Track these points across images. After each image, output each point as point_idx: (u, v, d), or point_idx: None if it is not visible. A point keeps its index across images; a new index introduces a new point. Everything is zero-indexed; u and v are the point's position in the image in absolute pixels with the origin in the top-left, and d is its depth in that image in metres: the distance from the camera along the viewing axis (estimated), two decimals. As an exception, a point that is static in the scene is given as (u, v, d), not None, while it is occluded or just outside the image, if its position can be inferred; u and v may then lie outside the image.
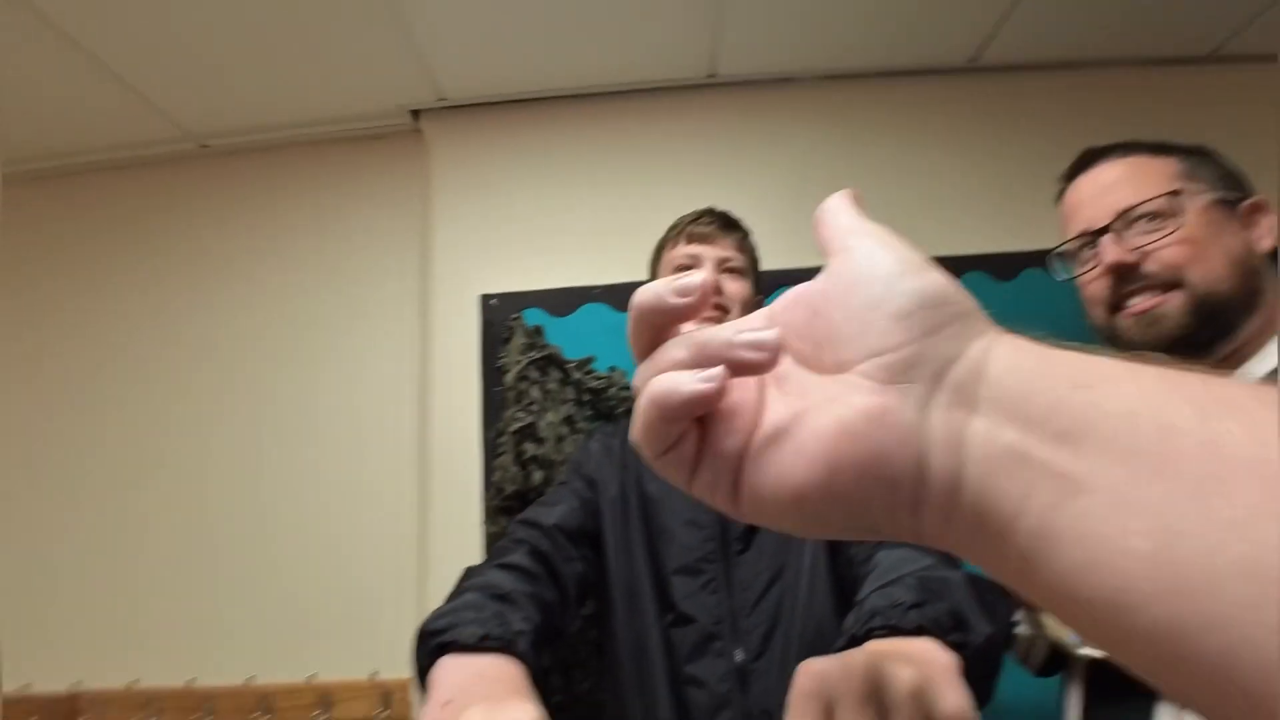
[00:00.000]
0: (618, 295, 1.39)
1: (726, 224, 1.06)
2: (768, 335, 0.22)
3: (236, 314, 1.45)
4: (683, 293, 0.24)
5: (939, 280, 0.22)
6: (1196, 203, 0.69)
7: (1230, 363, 0.69)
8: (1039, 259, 1.36)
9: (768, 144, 1.45)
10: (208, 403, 1.42)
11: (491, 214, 1.46)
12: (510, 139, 1.48)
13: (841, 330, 0.22)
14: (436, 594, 1.27)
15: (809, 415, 0.22)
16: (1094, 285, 0.76)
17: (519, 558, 0.76)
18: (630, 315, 0.25)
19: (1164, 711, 0.63)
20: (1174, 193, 0.69)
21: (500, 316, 1.39)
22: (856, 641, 0.46)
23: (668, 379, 0.23)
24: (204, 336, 1.45)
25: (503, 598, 0.66)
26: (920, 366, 0.21)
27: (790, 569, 0.87)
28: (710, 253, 1.02)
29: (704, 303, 0.25)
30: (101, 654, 1.31)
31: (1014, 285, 1.36)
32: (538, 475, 1.20)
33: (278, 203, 1.49)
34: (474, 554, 1.29)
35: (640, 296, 0.25)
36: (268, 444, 1.39)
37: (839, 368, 0.22)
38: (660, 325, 0.25)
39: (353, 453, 1.37)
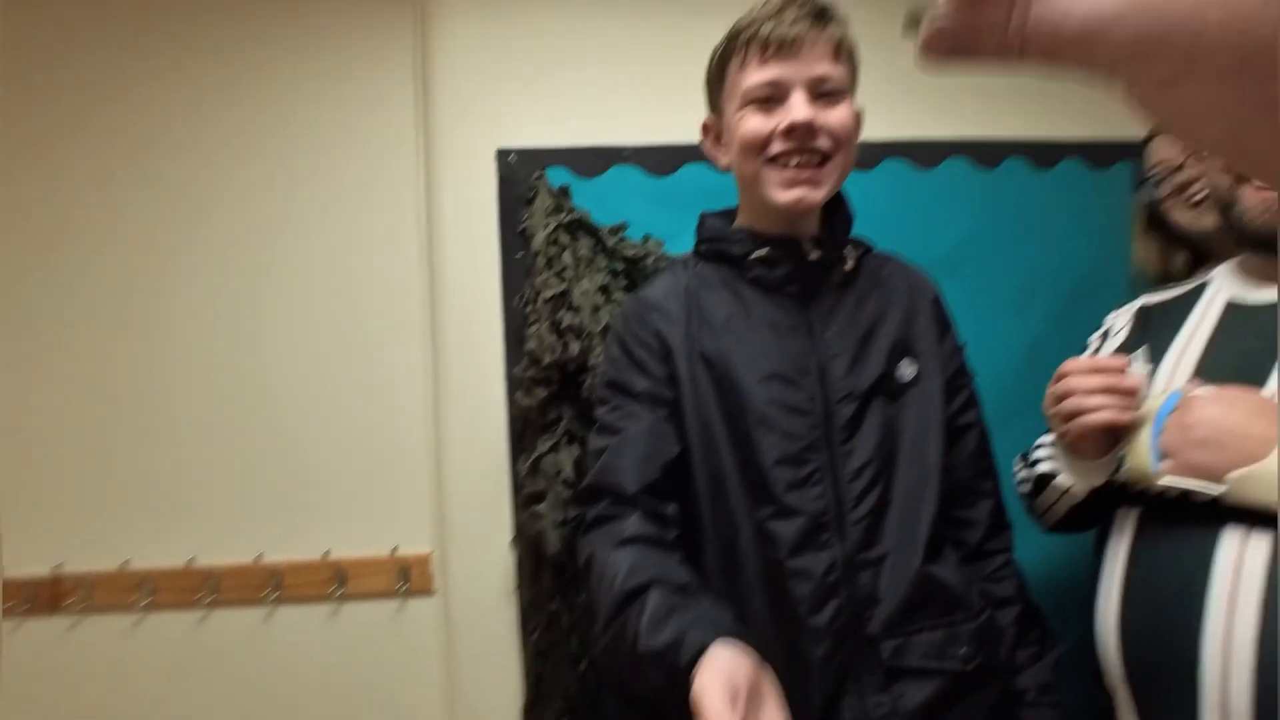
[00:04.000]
0: (651, 159, 1.28)
1: (818, 16, 0.79)
2: None
3: (199, 156, 1.22)
4: None
5: None
6: None
7: None
8: (1078, 149, 1.38)
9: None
10: (199, 269, 1.22)
11: (505, 57, 1.28)
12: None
13: None
14: (454, 468, 1.22)
15: None
16: None
17: (637, 527, 0.75)
18: None
19: (1229, 533, 0.67)
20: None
21: (520, 175, 1.26)
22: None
23: None
24: (184, 192, 1.22)
25: (683, 589, 0.67)
26: None
27: (899, 456, 0.82)
28: (799, 72, 0.78)
29: None
30: (88, 533, 1.17)
31: (1052, 175, 1.37)
32: (575, 345, 1.13)
33: (246, 27, 1.23)
34: (497, 427, 1.22)
35: None
36: (269, 311, 1.22)
37: None
38: None
39: (359, 321, 1.23)
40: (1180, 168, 1.13)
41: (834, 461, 0.80)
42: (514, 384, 1.20)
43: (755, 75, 0.79)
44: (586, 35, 1.29)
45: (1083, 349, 1.01)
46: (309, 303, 1.23)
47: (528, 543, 1.12)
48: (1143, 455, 0.74)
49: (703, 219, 0.92)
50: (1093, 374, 0.78)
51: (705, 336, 0.83)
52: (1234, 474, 0.66)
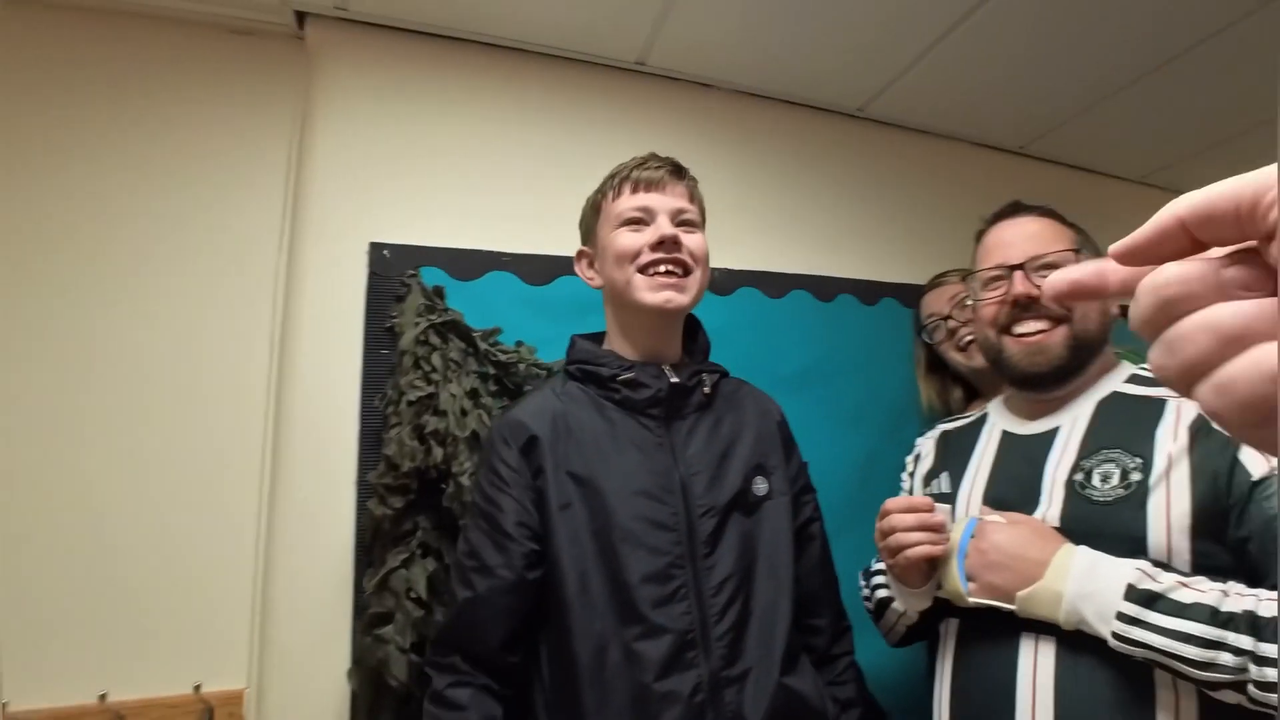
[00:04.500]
0: (527, 267, 1.31)
1: (676, 170, 0.95)
2: None
3: (39, 224, 1.06)
4: None
5: None
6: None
7: (1077, 391, 0.90)
8: (894, 290, 1.63)
9: (682, 141, 1.49)
10: (12, 348, 1.02)
11: (386, 153, 1.27)
12: (417, 74, 1.32)
13: None
14: (284, 586, 1.08)
15: None
16: (991, 308, 0.92)
17: (477, 715, 0.80)
18: None
19: (1025, 640, 0.80)
20: (1075, 250, 0.88)
21: (393, 270, 1.23)
22: None
23: None
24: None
25: None
26: None
27: (757, 568, 0.87)
28: (663, 203, 0.92)
29: None
30: None
31: (875, 310, 1.59)
32: (438, 451, 1.08)
33: (101, 82, 1.12)
34: (342, 538, 1.11)
35: None
36: (85, 399, 1.04)
37: None
38: None
39: (189, 410, 1.08)
40: (948, 317, 1.38)
41: (697, 576, 0.83)
42: (366, 491, 1.11)
43: (628, 202, 0.93)
44: (472, 143, 1.33)
45: (904, 466, 1.15)
46: (133, 382, 1.07)
47: (368, 673, 1.00)
48: (954, 579, 0.85)
49: (574, 341, 0.98)
50: (908, 513, 0.89)
51: (573, 454, 0.86)
52: (1020, 593, 0.78)
